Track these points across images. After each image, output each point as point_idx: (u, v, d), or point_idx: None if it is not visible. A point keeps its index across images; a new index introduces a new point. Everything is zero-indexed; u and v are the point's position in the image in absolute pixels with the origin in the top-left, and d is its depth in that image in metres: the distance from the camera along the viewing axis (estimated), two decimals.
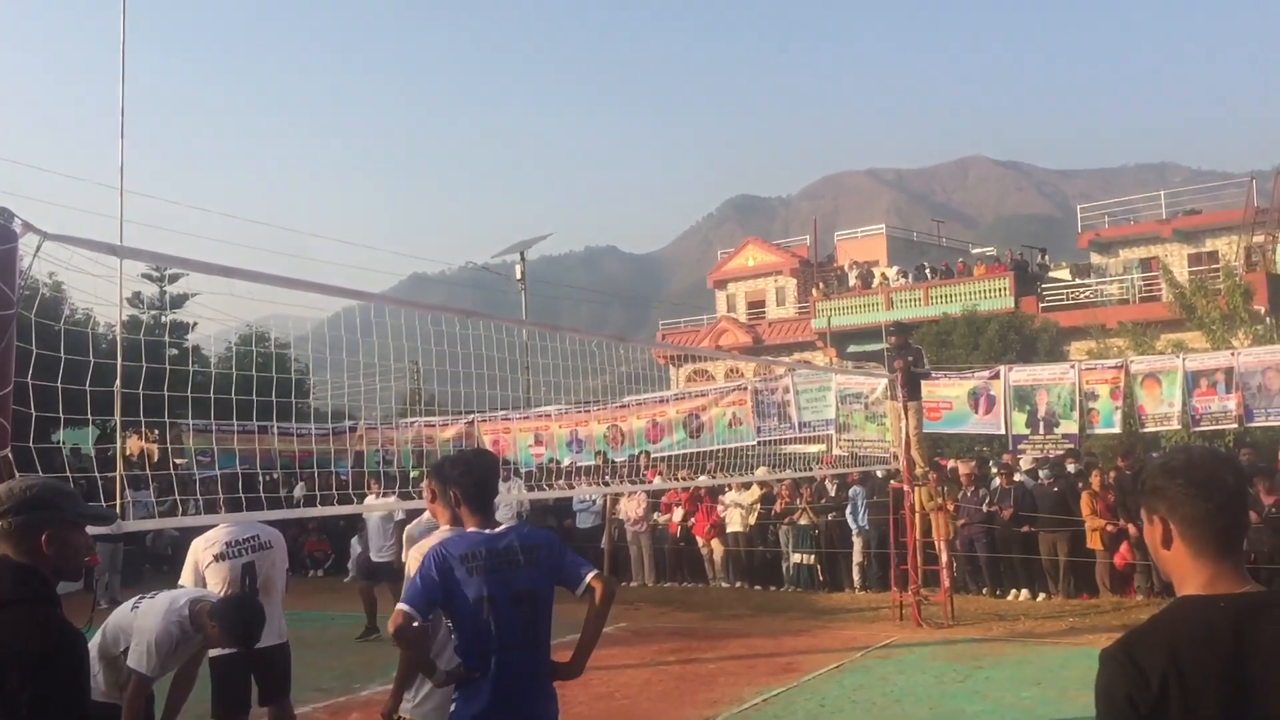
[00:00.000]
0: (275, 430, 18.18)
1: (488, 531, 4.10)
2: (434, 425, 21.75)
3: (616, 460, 19.60)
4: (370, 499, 10.80)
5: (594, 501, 17.64)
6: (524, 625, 4.00)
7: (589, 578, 4.13)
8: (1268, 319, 24.97)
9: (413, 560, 4.41)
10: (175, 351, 17.40)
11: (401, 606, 3.84)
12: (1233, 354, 17.00)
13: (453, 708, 4.03)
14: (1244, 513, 2.21)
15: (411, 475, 17.74)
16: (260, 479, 14.61)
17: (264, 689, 6.54)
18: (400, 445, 20.93)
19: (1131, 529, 13.07)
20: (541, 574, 4.14)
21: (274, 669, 6.53)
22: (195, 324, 27.80)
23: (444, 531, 4.43)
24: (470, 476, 4.17)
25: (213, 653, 6.00)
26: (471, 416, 21.88)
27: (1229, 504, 2.17)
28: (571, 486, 11.97)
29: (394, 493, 8.92)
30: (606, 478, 17.69)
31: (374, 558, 13.51)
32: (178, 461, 13.23)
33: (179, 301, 29.61)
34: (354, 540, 18.91)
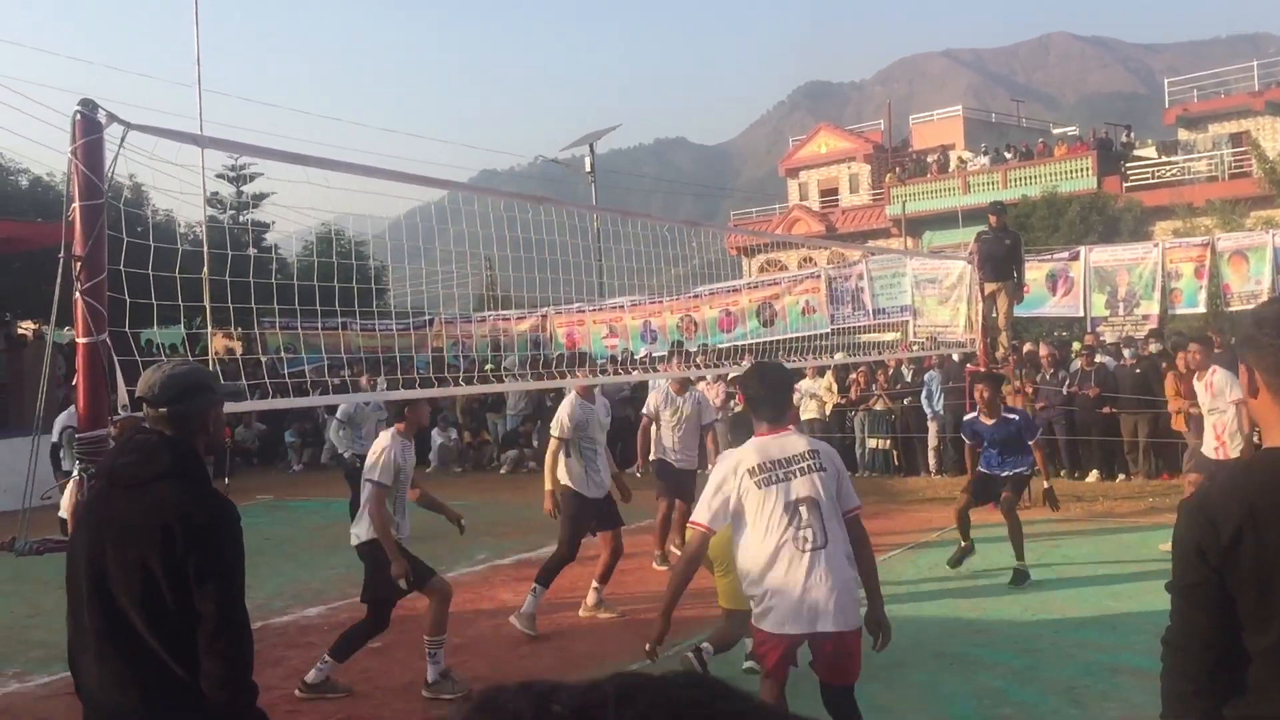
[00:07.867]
0: (357, 325, 18.67)
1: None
2: (508, 319, 21.99)
3: (691, 350, 19.66)
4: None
5: None
6: None
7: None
8: None
9: None
10: (255, 251, 17.74)
11: None
12: None
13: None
14: None
15: (487, 369, 18.05)
16: (346, 372, 14.90)
17: None
18: (477, 339, 21.25)
19: None
20: None
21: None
22: (273, 223, 28.36)
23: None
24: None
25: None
26: (545, 310, 22.06)
27: None
28: (653, 370, 11.91)
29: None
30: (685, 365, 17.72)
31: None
32: (261, 358, 13.53)
33: (256, 201, 30.14)
34: (434, 431, 19.29)
